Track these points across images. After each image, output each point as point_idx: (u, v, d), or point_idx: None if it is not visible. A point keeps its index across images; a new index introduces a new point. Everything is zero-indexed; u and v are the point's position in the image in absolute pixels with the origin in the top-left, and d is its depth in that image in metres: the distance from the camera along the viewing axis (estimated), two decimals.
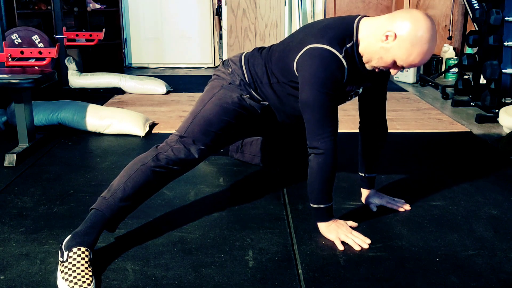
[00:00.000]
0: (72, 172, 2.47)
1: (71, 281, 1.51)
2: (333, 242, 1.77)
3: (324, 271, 1.61)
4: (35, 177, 2.40)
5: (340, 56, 1.67)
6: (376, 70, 1.73)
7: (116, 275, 1.59)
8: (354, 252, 1.72)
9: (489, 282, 1.55)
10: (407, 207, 2.05)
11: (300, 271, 1.61)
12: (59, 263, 1.59)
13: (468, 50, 4.75)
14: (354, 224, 1.89)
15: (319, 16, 5.80)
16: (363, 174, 2.06)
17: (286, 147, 2.38)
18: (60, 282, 1.53)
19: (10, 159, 2.55)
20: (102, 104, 3.67)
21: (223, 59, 5.81)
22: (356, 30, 1.70)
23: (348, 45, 1.69)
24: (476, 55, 3.87)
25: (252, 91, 1.91)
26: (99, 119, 3.11)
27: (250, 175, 2.43)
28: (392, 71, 1.70)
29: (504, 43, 3.52)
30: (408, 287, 1.53)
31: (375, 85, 1.90)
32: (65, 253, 1.59)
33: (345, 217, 1.92)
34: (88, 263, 1.58)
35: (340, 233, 1.79)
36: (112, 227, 1.74)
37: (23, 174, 2.45)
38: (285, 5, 5.59)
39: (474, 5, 3.71)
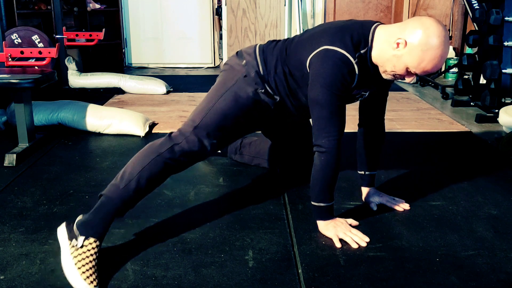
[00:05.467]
0: (72, 172, 2.47)
1: (84, 272, 1.52)
2: (333, 242, 1.77)
3: (324, 271, 1.61)
4: (35, 177, 2.40)
5: (353, 62, 1.70)
6: (391, 78, 1.76)
7: (116, 275, 1.59)
8: (354, 252, 1.72)
9: (489, 282, 1.55)
10: (406, 206, 2.05)
11: (300, 271, 1.61)
12: (71, 246, 1.59)
13: (468, 50, 4.76)
14: (355, 222, 1.89)
15: (319, 16, 5.80)
16: (362, 172, 2.07)
17: (289, 148, 2.38)
18: (71, 267, 1.53)
19: (10, 159, 2.55)
20: (102, 104, 3.67)
21: (222, 58, 5.83)
22: (372, 36, 1.72)
23: (362, 51, 1.71)
24: (476, 55, 3.87)
25: (266, 85, 1.90)
26: (99, 119, 3.11)
27: (250, 175, 2.43)
28: (407, 79, 1.72)
29: (504, 43, 3.52)
30: (408, 287, 1.53)
31: (380, 89, 1.92)
32: (81, 239, 1.59)
33: (344, 216, 1.92)
34: (97, 259, 1.60)
35: (338, 230, 1.80)
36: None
37: (23, 174, 2.45)
38: (285, 5, 5.59)
39: (474, 5, 3.71)
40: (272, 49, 1.92)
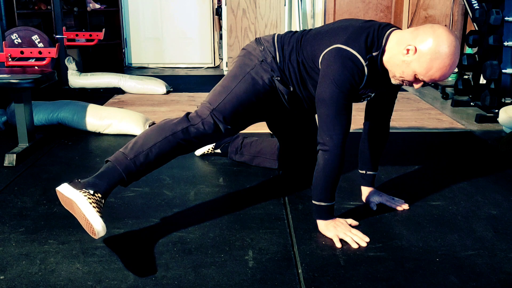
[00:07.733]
0: (72, 172, 2.47)
1: (95, 213, 1.59)
2: (333, 242, 1.77)
3: (324, 271, 1.61)
4: (35, 177, 2.40)
5: (364, 64, 1.71)
6: (400, 83, 1.77)
7: (116, 275, 1.59)
8: (354, 252, 1.72)
9: (489, 282, 1.55)
10: (405, 206, 2.05)
11: (300, 271, 1.61)
12: (83, 192, 1.65)
13: (468, 50, 4.75)
14: (355, 222, 1.89)
15: (319, 16, 5.80)
16: (364, 171, 2.07)
17: (292, 147, 2.37)
18: (88, 206, 1.60)
19: (10, 159, 2.55)
20: (102, 104, 3.67)
21: (222, 58, 5.84)
22: (386, 40, 1.74)
23: (374, 53, 1.73)
24: (476, 55, 3.87)
25: (281, 73, 1.93)
26: (99, 119, 3.11)
27: (250, 175, 2.43)
28: (415, 86, 1.73)
29: (504, 43, 3.52)
30: (408, 287, 1.53)
31: (388, 90, 1.93)
32: (91, 191, 1.67)
33: (344, 216, 1.92)
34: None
35: (339, 231, 1.80)
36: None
37: (23, 174, 2.45)
38: (285, 5, 5.59)
39: (474, 5, 3.71)
40: (289, 38, 1.96)
